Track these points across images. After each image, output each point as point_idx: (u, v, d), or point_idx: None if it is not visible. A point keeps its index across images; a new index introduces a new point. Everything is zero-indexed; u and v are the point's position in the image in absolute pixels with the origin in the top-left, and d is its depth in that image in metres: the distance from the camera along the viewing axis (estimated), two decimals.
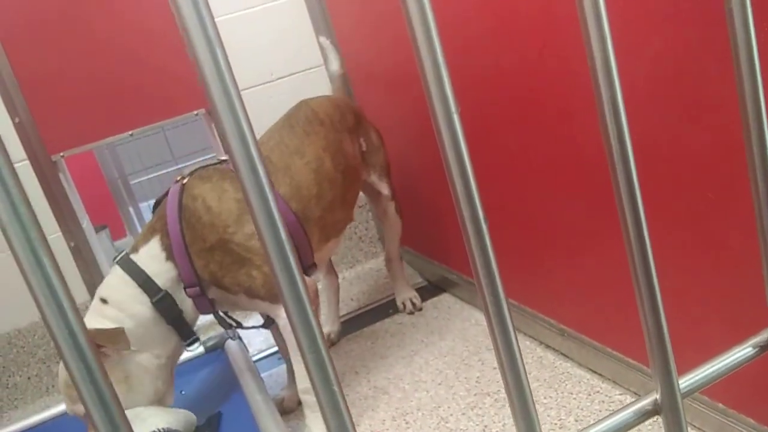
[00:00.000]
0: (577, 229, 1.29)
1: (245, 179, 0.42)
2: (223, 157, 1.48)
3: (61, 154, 1.96)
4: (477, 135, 1.45)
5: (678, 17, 0.90)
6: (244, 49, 2.12)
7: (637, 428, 0.61)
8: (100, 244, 2.20)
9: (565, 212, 1.30)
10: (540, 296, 1.52)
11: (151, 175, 4.18)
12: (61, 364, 1.23)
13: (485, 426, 1.32)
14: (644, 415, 0.60)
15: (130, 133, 2.02)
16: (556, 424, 1.26)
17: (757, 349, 0.66)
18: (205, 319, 1.53)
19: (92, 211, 2.34)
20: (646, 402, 0.60)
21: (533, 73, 1.23)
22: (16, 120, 1.90)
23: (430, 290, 2.03)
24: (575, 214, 1.27)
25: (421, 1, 0.44)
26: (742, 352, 0.65)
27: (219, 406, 1.51)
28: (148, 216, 3.96)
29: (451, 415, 1.39)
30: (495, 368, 1.49)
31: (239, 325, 1.49)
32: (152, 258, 1.30)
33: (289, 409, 1.60)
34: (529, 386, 0.53)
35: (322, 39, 1.94)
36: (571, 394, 1.34)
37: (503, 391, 1.44)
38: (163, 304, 1.28)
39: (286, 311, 0.44)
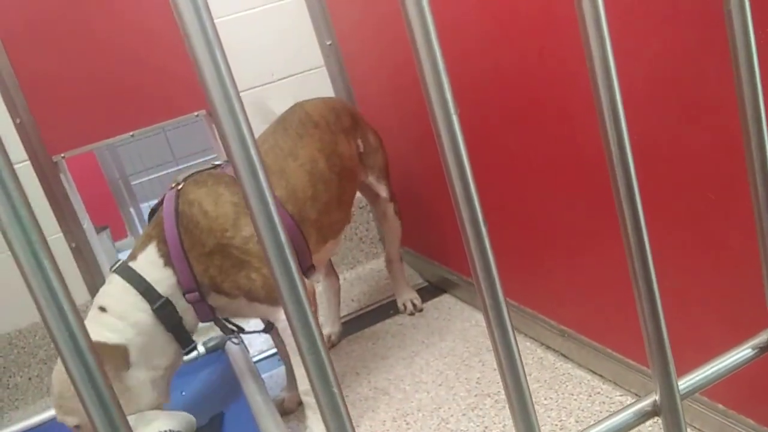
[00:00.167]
0: (577, 230, 1.29)
1: (245, 181, 0.42)
2: (217, 162, 1.48)
3: (62, 154, 1.96)
4: (477, 136, 1.45)
5: (677, 18, 0.90)
6: (244, 50, 2.12)
7: (637, 429, 0.61)
8: (101, 244, 2.21)
9: (565, 213, 1.30)
10: (540, 297, 1.52)
11: (152, 176, 4.18)
12: (54, 375, 1.21)
13: (486, 427, 1.32)
14: (644, 416, 0.60)
15: (131, 133, 2.03)
16: (556, 425, 1.26)
17: (756, 351, 0.66)
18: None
19: (93, 211, 2.34)
20: (645, 403, 0.60)
21: (533, 74, 1.23)
22: (17, 121, 1.91)
23: (430, 291, 2.03)
24: (575, 214, 1.27)
25: (421, 3, 0.44)
26: (742, 353, 0.65)
27: (219, 407, 1.51)
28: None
29: (452, 416, 1.39)
30: (495, 369, 1.49)
31: (240, 330, 1.48)
32: (151, 265, 1.29)
33: (289, 410, 1.60)
34: (529, 388, 0.53)
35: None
36: (572, 395, 1.34)
37: (504, 392, 1.44)
38: (164, 310, 1.27)
39: (286, 313, 0.44)
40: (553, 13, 1.13)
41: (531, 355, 1.52)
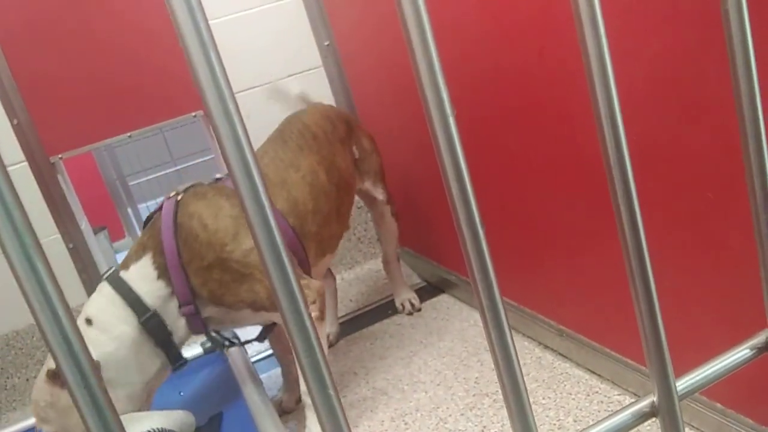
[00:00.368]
0: (576, 230, 1.29)
1: (240, 182, 0.42)
2: (219, 175, 1.46)
3: (60, 155, 1.96)
4: (477, 136, 1.45)
5: (676, 18, 0.90)
6: (242, 50, 2.12)
7: (635, 430, 0.61)
8: (98, 245, 2.20)
9: (565, 213, 1.30)
10: (539, 297, 1.52)
11: (150, 177, 4.17)
12: (35, 382, 1.21)
13: (484, 426, 1.32)
14: (641, 417, 0.60)
15: (128, 134, 2.02)
16: (554, 424, 1.26)
17: (754, 351, 0.66)
18: None
19: (91, 212, 2.34)
20: (643, 404, 0.60)
21: (533, 74, 1.23)
22: (15, 121, 1.90)
23: (428, 291, 2.03)
24: (574, 214, 1.27)
25: (416, 3, 0.44)
26: (740, 353, 0.65)
27: (218, 408, 1.51)
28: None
29: (450, 415, 1.39)
30: (493, 369, 1.49)
31: (232, 344, 1.48)
32: (143, 276, 1.27)
33: (287, 409, 1.60)
34: (526, 388, 0.52)
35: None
36: (570, 394, 1.34)
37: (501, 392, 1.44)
38: (151, 324, 1.25)
39: (281, 313, 0.44)
40: (553, 13, 1.12)
41: (529, 354, 1.52)
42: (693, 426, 1.11)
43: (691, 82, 0.91)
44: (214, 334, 1.40)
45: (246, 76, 2.13)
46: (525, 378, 0.56)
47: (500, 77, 1.33)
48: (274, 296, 0.44)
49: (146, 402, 1.31)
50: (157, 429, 1.17)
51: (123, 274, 1.28)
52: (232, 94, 0.41)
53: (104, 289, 1.27)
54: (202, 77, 0.40)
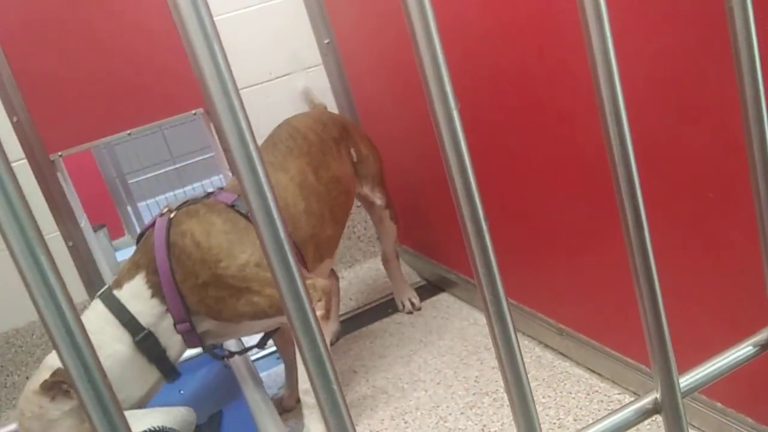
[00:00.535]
0: (577, 229, 1.29)
1: (244, 177, 0.42)
2: (210, 190, 1.46)
3: (60, 153, 1.96)
4: (477, 135, 1.45)
5: (677, 17, 0.89)
6: (242, 48, 2.11)
7: (636, 428, 0.61)
8: (98, 243, 2.20)
9: (565, 212, 1.30)
10: (539, 295, 1.52)
11: (149, 175, 4.17)
12: (23, 396, 1.20)
13: (484, 425, 1.32)
14: (644, 414, 0.60)
15: (128, 132, 2.02)
16: (555, 423, 1.26)
17: (757, 348, 0.66)
18: None
19: (90, 210, 2.34)
20: (646, 401, 0.60)
21: (533, 73, 1.23)
22: (15, 119, 1.90)
23: (428, 290, 2.03)
24: (575, 213, 1.27)
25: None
26: (742, 351, 0.65)
27: (218, 406, 1.51)
28: (146, 215, 3.99)
29: (450, 414, 1.39)
30: (494, 368, 1.49)
31: (231, 354, 1.48)
32: (137, 295, 1.27)
33: (288, 408, 1.60)
34: (529, 385, 0.52)
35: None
36: (570, 393, 1.34)
37: (502, 390, 1.45)
38: (146, 343, 1.25)
39: (285, 309, 0.44)
40: (553, 12, 1.12)
41: (529, 353, 1.52)
42: (693, 425, 1.11)
43: (692, 82, 0.91)
44: (211, 347, 1.39)
45: (245, 74, 2.13)
46: None
47: (500, 76, 1.33)
48: (278, 288, 0.43)
49: None
50: (158, 427, 1.17)
51: (116, 292, 1.28)
52: (236, 89, 0.41)
53: (98, 307, 1.27)
54: (205, 71, 0.39)
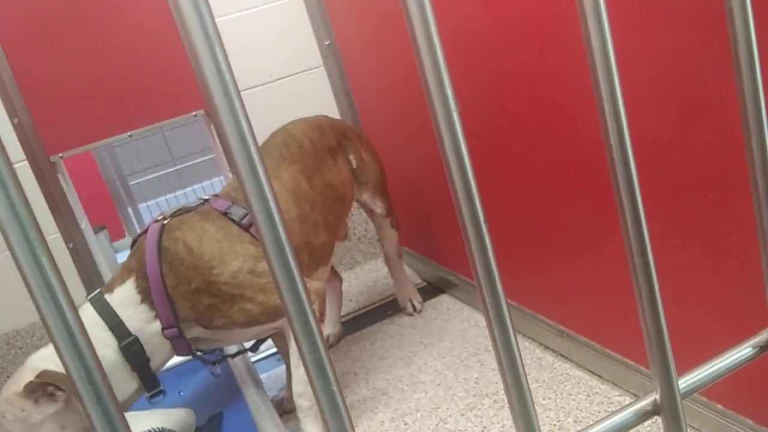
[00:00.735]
0: (577, 229, 1.29)
1: (245, 179, 0.42)
2: (205, 197, 1.46)
3: (60, 154, 1.96)
4: (478, 135, 1.45)
5: (677, 17, 0.90)
6: (242, 49, 2.12)
7: (636, 429, 0.61)
8: (98, 244, 2.20)
9: (565, 212, 1.30)
10: (539, 297, 1.52)
11: (150, 176, 4.17)
12: (2, 398, 1.17)
13: (484, 427, 1.32)
14: (644, 416, 0.60)
15: (129, 133, 2.02)
16: (555, 425, 1.26)
17: (756, 350, 0.66)
18: None
19: (91, 211, 2.34)
20: (645, 402, 0.60)
21: (534, 73, 1.23)
22: (15, 120, 1.90)
23: (429, 291, 2.03)
24: (575, 214, 1.27)
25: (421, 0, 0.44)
26: (742, 352, 0.65)
27: (218, 408, 1.51)
28: (147, 217, 3.99)
29: (450, 416, 1.38)
30: (494, 369, 1.49)
31: (223, 359, 1.47)
32: (126, 300, 1.27)
33: (288, 409, 1.60)
34: (529, 387, 0.52)
35: None
36: (570, 395, 1.34)
37: (502, 392, 1.44)
38: (131, 349, 1.25)
39: (286, 311, 0.44)
40: (554, 12, 1.13)
41: (529, 355, 1.52)
42: (693, 427, 1.11)
43: (691, 83, 0.91)
44: (200, 354, 1.39)
45: (247, 75, 2.14)
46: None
47: (500, 76, 1.33)
48: (278, 289, 0.44)
49: None
50: (158, 428, 1.17)
51: (107, 296, 1.28)
52: (237, 91, 0.41)
53: (87, 310, 1.27)
54: (207, 73, 0.39)
